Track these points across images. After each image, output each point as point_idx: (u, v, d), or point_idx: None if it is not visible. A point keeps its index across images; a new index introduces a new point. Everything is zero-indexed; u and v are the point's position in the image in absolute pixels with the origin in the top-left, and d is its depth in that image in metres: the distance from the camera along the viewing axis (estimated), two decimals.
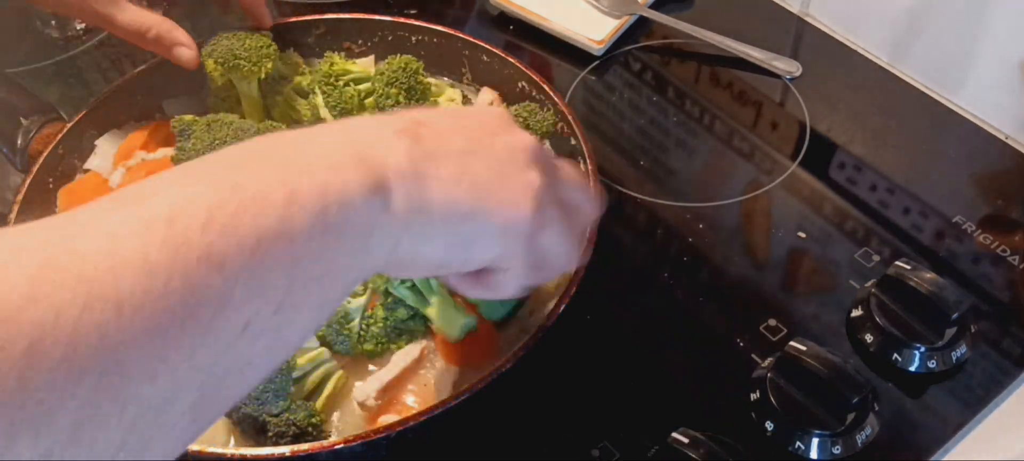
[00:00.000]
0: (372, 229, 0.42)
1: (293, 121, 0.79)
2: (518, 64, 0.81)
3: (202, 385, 0.35)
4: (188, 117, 0.75)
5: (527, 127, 0.71)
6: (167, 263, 0.33)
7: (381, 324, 0.64)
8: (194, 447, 0.56)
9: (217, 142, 0.71)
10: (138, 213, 0.35)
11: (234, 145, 0.42)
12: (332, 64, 0.79)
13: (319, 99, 0.78)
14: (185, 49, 0.76)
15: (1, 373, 0.29)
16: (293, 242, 0.37)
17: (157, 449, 0.35)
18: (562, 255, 0.52)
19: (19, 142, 0.75)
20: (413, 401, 0.63)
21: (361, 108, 0.79)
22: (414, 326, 0.65)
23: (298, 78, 0.80)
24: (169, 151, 0.76)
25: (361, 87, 0.79)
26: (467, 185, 0.46)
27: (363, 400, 0.62)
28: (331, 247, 0.39)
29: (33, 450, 0.30)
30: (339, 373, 0.64)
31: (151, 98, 0.82)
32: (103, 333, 0.32)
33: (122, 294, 0.32)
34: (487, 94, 0.83)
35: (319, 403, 0.62)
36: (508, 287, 0.51)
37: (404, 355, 0.64)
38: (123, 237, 0.33)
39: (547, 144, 0.68)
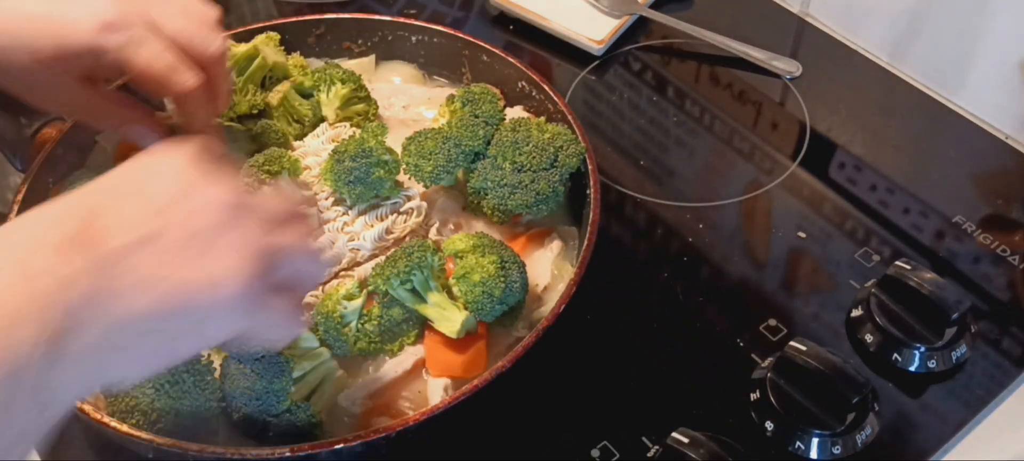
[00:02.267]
0: (52, 381, 0.39)
1: (294, 121, 0.79)
2: (518, 64, 0.81)
3: None
4: None
5: (557, 158, 0.71)
6: None
7: (376, 323, 0.64)
8: (194, 447, 0.56)
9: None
10: None
11: None
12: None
13: (323, 97, 0.78)
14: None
15: None
16: None
17: None
18: (282, 332, 0.50)
19: (19, 142, 0.75)
20: (408, 406, 0.63)
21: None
22: (409, 328, 0.65)
23: (300, 78, 0.80)
24: None
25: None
26: (159, 289, 0.42)
27: (348, 406, 0.62)
28: (10, 409, 0.37)
29: None
30: (339, 373, 0.64)
31: (151, 98, 0.82)
32: None
33: None
34: None
35: (319, 403, 0.62)
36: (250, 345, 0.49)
37: (395, 365, 0.64)
38: None
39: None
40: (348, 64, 0.84)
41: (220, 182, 0.45)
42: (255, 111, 0.80)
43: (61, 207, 0.43)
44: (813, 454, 0.62)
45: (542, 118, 0.76)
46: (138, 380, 0.46)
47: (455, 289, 0.64)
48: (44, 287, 0.39)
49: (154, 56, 0.61)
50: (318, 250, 0.51)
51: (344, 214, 0.69)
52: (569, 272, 0.68)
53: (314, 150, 0.75)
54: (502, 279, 0.63)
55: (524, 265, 0.66)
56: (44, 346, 0.38)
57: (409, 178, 0.72)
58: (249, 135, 0.76)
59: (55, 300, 0.39)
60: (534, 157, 0.70)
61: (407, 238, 0.70)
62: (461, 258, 0.65)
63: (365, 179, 0.68)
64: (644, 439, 0.64)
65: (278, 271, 0.47)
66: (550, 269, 0.69)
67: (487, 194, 0.70)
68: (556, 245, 0.70)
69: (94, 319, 0.40)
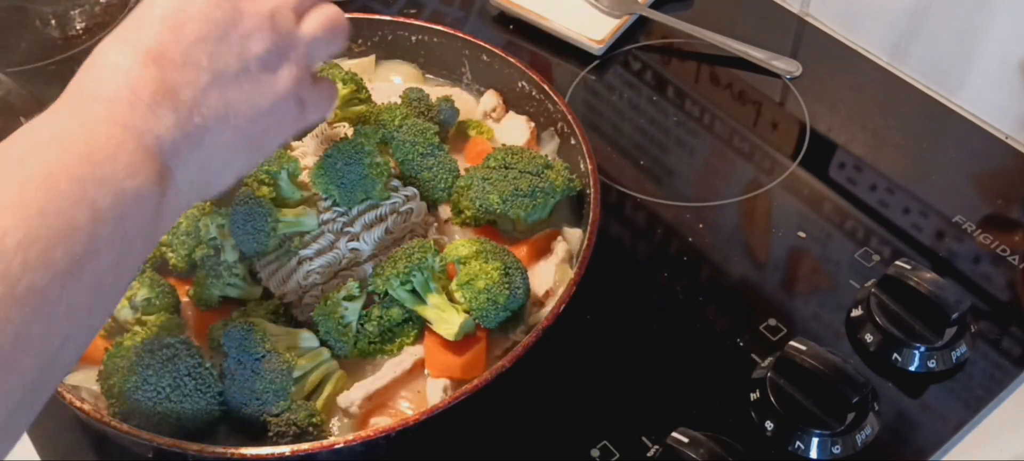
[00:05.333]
0: (162, 210, 0.48)
1: None
2: (518, 64, 0.81)
3: (28, 384, 0.41)
4: None
5: (546, 170, 0.71)
6: None
7: (376, 323, 0.64)
8: (194, 447, 0.56)
9: None
10: None
11: (15, 143, 0.44)
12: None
13: None
14: None
15: None
16: (99, 255, 0.43)
17: None
18: (328, 110, 0.60)
19: None
20: (407, 406, 0.63)
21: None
22: (408, 328, 0.65)
23: None
24: None
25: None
26: (233, 122, 0.51)
27: (347, 407, 0.62)
28: (131, 242, 0.45)
29: None
30: (339, 373, 0.64)
31: None
32: None
33: None
34: (491, 98, 0.83)
35: (319, 403, 0.62)
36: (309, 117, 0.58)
37: (395, 365, 0.64)
38: None
39: None
40: (348, 64, 0.84)
41: (248, 8, 0.52)
42: None
43: (130, 60, 0.48)
44: (813, 454, 0.62)
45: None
46: (231, 182, 0.55)
47: (458, 295, 0.64)
48: (149, 144, 0.47)
49: None
50: (339, 20, 0.58)
51: (344, 214, 0.69)
52: (571, 277, 0.68)
53: (313, 150, 0.75)
54: (506, 286, 0.63)
55: (526, 270, 0.66)
56: (157, 186, 0.47)
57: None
58: None
59: (161, 151, 0.47)
60: (523, 161, 0.70)
61: (407, 238, 0.70)
62: (464, 264, 0.65)
63: (357, 181, 0.68)
64: (644, 439, 0.64)
65: (315, 60, 0.56)
66: (553, 274, 0.68)
67: (469, 189, 0.70)
68: (561, 249, 0.70)
69: (190, 156, 0.49)
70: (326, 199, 0.70)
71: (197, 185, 0.51)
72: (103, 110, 0.47)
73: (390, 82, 0.86)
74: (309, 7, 0.56)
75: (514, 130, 0.80)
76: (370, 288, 0.65)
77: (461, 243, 0.67)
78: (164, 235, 0.50)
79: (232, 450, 0.56)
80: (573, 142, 0.75)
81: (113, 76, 0.48)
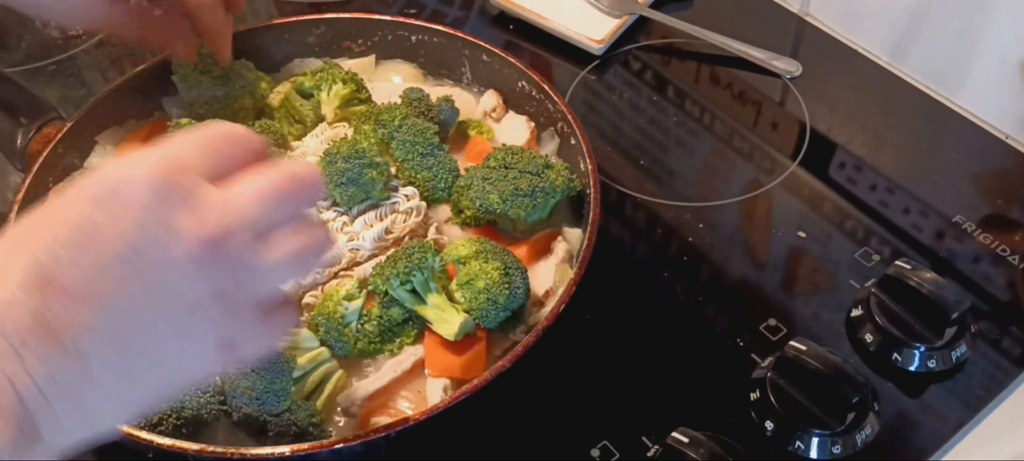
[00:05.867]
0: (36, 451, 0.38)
1: (295, 121, 0.79)
2: (518, 64, 0.81)
3: None
4: (185, 121, 0.75)
5: (546, 170, 0.70)
6: None
7: (376, 323, 0.64)
8: (194, 447, 0.56)
9: None
10: None
11: None
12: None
13: (323, 97, 0.78)
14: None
15: None
16: None
17: None
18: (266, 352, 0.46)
19: (19, 142, 0.75)
20: (407, 406, 0.63)
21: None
22: (408, 328, 0.65)
23: (300, 78, 0.80)
24: None
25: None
26: (124, 374, 0.39)
27: (347, 407, 0.62)
28: None
29: None
30: (339, 373, 0.64)
31: (151, 97, 0.82)
32: None
33: None
34: (491, 98, 0.83)
35: (319, 403, 0.62)
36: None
37: (395, 365, 0.64)
38: None
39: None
40: (348, 64, 0.84)
41: (186, 226, 0.40)
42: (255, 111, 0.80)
43: (14, 287, 0.38)
44: (813, 454, 0.62)
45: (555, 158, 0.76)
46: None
47: (458, 295, 0.64)
48: (12, 395, 0.37)
49: None
50: (316, 246, 0.45)
51: (344, 214, 0.69)
52: (571, 277, 0.68)
53: (313, 150, 0.75)
54: (506, 286, 0.63)
55: (526, 270, 0.66)
56: (23, 435, 0.38)
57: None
58: None
59: (26, 401, 0.37)
60: (523, 161, 0.70)
61: (407, 238, 0.70)
62: (464, 264, 0.65)
63: (357, 180, 0.68)
64: (644, 439, 0.64)
65: (271, 291, 0.44)
66: (554, 274, 0.68)
67: (469, 189, 0.70)
68: (561, 249, 0.70)
69: (65, 416, 0.39)
70: (326, 199, 0.70)
71: (75, 435, 0.40)
72: None
73: (390, 82, 0.86)
74: (282, 223, 0.43)
75: (514, 130, 0.80)
76: (370, 288, 0.65)
77: (461, 243, 0.67)
78: None
79: (232, 450, 0.56)
80: (573, 142, 0.75)
81: None
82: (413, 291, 0.64)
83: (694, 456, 0.58)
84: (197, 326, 0.41)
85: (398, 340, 0.65)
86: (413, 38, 0.86)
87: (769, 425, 0.64)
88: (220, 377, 0.61)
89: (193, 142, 0.42)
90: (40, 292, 0.38)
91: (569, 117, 0.76)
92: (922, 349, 0.67)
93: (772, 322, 0.71)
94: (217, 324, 0.41)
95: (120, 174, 0.40)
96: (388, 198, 0.70)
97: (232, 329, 0.42)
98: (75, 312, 0.38)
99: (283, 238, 0.43)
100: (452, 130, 0.79)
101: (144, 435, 0.56)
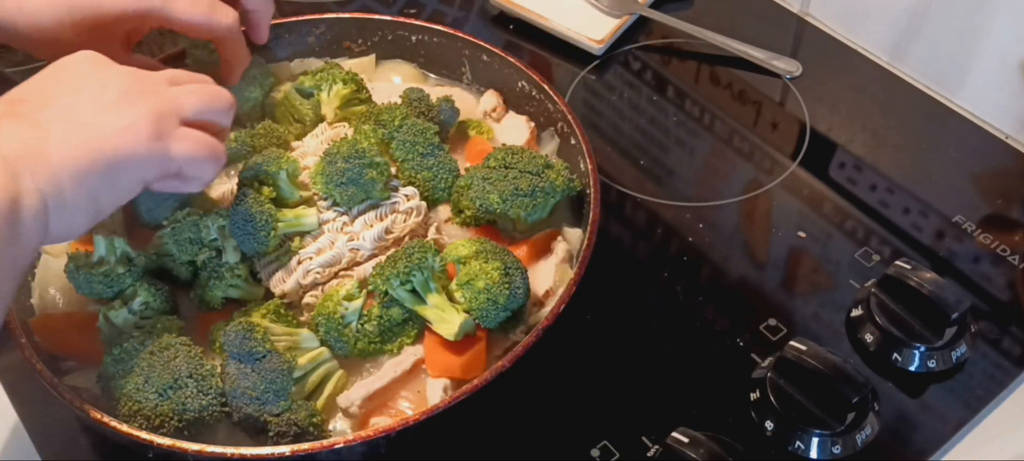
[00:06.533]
0: (18, 220, 0.49)
1: (294, 121, 0.79)
2: (518, 64, 0.81)
3: None
4: None
5: (546, 169, 0.71)
6: None
7: (376, 323, 0.64)
8: (194, 447, 0.56)
9: None
10: None
11: None
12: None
13: (323, 97, 0.78)
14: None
15: None
16: None
17: None
18: (200, 157, 0.59)
19: None
20: (407, 406, 0.63)
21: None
22: (408, 328, 0.65)
23: (301, 78, 0.80)
24: None
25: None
26: (80, 135, 0.53)
27: (347, 407, 0.62)
28: None
29: None
30: (339, 373, 0.64)
31: None
32: None
33: None
34: (491, 98, 0.83)
35: (319, 403, 0.62)
36: (189, 185, 0.61)
37: (395, 365, 0.64)
38: None
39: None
40: (348, 64, 0.84)
41: (127, 66, 0.57)
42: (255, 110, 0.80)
43: None
44: (813, 454, 0.62)
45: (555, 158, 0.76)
46: (81, 232, 0.56)
47: (458, 295, 0.64)
48: None
49: (191, 3, 0.68)
50: (220, 91, 0.62)
51: (344, 214, 0.69)
52: (571, 277, 0.68)
53: (313, 150, 0.75)
54: (506, 286, 0.63)
55: (526, 270, 0.66)
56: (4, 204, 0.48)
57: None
58: (248, 135, 0.76)
59: (5, 159, 0.49)
60: (523, 161, 0.70)
61: (407, 238, 0.70)
62: (464, 264, 0.65)
63: (357, 181, 0.68)
64: (644, 439, 0.64)
65: (185, 111, 0.58)
66: (554, 274, 0.68)
67: (469, 189, 0.70)
68: (561, 249, 0.70)
69: (35, 170, 0.50)
70: (326, 199, 0.70)
71: (54, 202, 0.51)
72: None
73: (390, 82, 0.86)
74: (185, 81, 0.61)
75: (514, 130, 0.80)
76: (370, 288, 0.65)
77: (461, 243, 0.67)
78: (28, 251, 0.51)
79: (232, 450, 0.56)
80: (573, 142, 0.75)
81: None
82: (413, 291, 0.64)
83: (694, 456, 0.58)
84: (128, 103, 0.55)
85: (398, 340, 0.65)
86: (413, 38, 0.86)
87: (769, 425, 0.64)
88: (222, 376, 0.61)
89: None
90: (11, 105, 0.53)
91: (569, 117, 0.76)
92: (922, 349, 0.67)
93: (772, 322, 0.71)
94: (144, 103, 0.56)
95: (72, 55, 0.57)
96: (388, 198, 0.70)
97: (157, 110, 0.56)
98: (37, 102, 0.53)
99: (189, 84, 0.61)
100: (452, 130, 0.79)
101: (144, 435, 0.56)
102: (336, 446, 0.56)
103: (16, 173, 0.49)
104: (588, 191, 0.71)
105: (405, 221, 0.70)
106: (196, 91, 0.60)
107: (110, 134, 0.54)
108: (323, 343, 0.64)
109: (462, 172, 0.74)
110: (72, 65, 0.56)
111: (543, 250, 0.71)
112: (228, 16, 0.70)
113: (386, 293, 0.64)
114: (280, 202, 0.69)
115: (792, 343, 0.64)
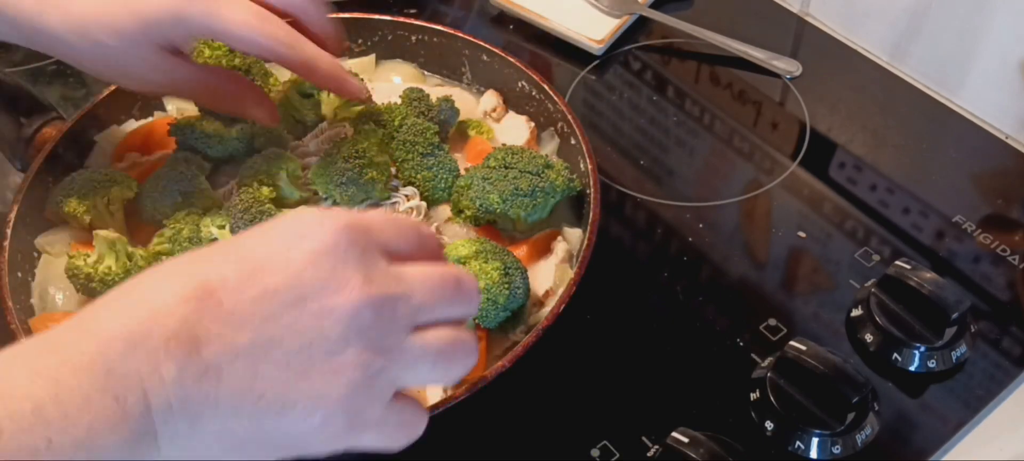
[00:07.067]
0: None
1: (295, 121, 0.79)
2: (518, 64, 0.81)
3: None
4: (184, 119, 0.75)
5: (547, 169, 0.70)
6: None
7: None
8: None
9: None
10: None
11: None
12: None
13: (323, 96, 0.78)
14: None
15: None
16: None
17: None
18: (394, 443, 0.44)
19: (19, 142, 0.75)
20: None
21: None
22: None
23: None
24: (166, 153, 0.76)
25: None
26: (249, 409, 0.38)
27: None
28: None
29: None
30: None
31: (151, 97, 0.82)
32: None
33: None
34: (491, 98, 0.83)
35: None
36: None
37: None
38: None
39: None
40: (348, 64, 0.84)
41: (354, 281, 0.40)
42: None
43: (170, 293, 0.38)
44: (813, 454, 0.62)
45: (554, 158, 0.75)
46: None
47: None
48: (132, 386, 0.37)
49: (240, 8, 0.60)
50: (463, 344, 0.44)
51: None
52: (571, 277, 0.68)
53: (313, 150, 0.75)
54: (506, 286, 0.63)
55: (526, 270, 0.66)
56: (136, 441, 0.37)
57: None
58: (248, 135, 0.76)
59: (152, 407, 0.37)
60: (523, 161, 0.70)
61: None
62: (464, 264, 0.64)
63: (357, 181, 0.68)
64: (644, 439, 0.64)
65: (399, 383, 0.43)
66: (554, 274, 0.68)
67: (469, 189, 0.70)
68: (561, 249, 0.70)
69: (173, 437, 0.38)
70: (326, 199, 0.70)
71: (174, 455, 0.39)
72: (91, 338, 0.37)
73: (390, 82, 0.86)
74: (439, 319, 0.43)
75: (514, 130, 0.80)
76: None
77: (461, 243, 0.67)
78: None
79: None
80: (573, 142, 0.75)
81: (135, 311, 0.38)
82: None
83: (694, 456, 0.58)
84: (330, 378, 0.39)
85: None
86: (413, 38, 0.86)
87: (769, 425, 0.64)
88: None
89: (384, 218, 0.44)
90: (197, 303, 0.38)
91: (569, 117, 0.76)
92: (922, 349, 0.67)
93: (772, 322, 0.71)
94: (350, 385, 0.40)
95: (309, 218, 0.41)
96: (388, 198, 0.70)
97: (362, 399, 0.41)
98: (225, 330, 0.38)
99: (437, 331, 0.43)
100: (452, 130, 0.79)
101: None
102: None
103: (155, 432, 0.37)
104: (588, 191, 0.71)
105: None
106: (437, 357, 0.43)
107: (288, 428, 0.39)
108: None
109: (462, 172, 0.74)
110: (286, 255, 0.40)
111: (543, 250, 0.71)
112: (281, 27, 0.62)
113: None
114: (280, 202, 0.69)
115: (792, 343, 0.64)
